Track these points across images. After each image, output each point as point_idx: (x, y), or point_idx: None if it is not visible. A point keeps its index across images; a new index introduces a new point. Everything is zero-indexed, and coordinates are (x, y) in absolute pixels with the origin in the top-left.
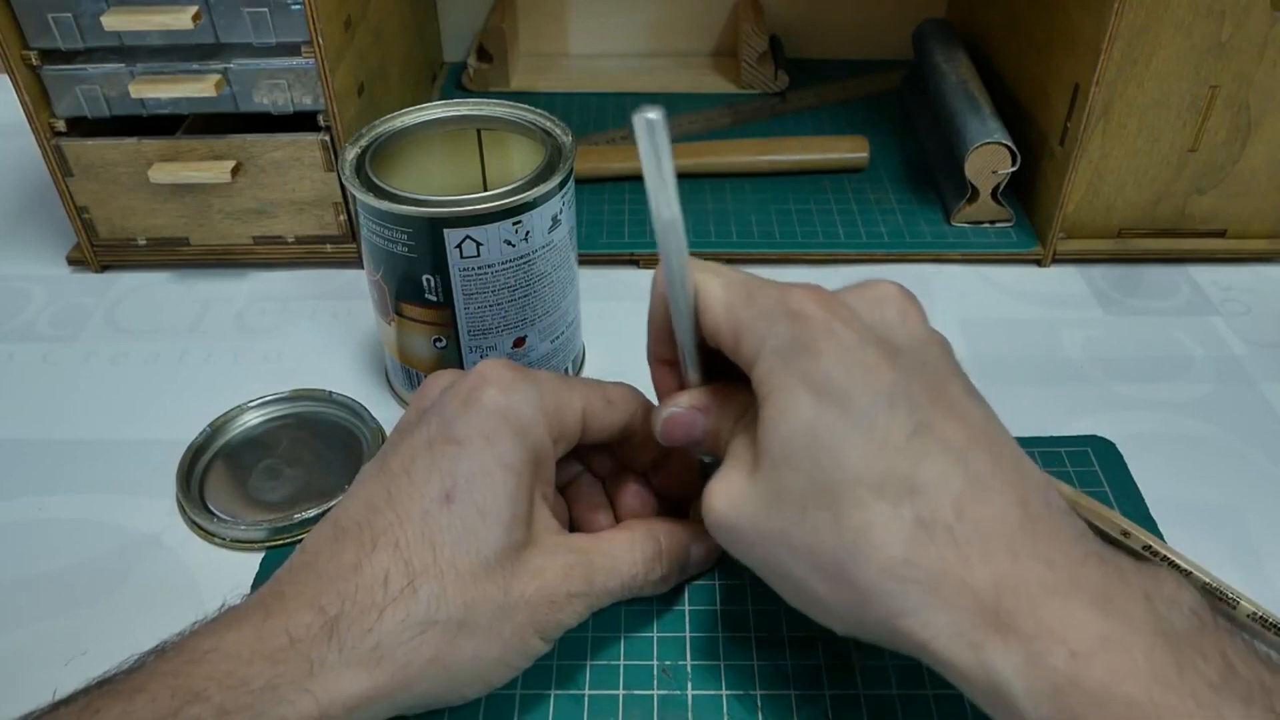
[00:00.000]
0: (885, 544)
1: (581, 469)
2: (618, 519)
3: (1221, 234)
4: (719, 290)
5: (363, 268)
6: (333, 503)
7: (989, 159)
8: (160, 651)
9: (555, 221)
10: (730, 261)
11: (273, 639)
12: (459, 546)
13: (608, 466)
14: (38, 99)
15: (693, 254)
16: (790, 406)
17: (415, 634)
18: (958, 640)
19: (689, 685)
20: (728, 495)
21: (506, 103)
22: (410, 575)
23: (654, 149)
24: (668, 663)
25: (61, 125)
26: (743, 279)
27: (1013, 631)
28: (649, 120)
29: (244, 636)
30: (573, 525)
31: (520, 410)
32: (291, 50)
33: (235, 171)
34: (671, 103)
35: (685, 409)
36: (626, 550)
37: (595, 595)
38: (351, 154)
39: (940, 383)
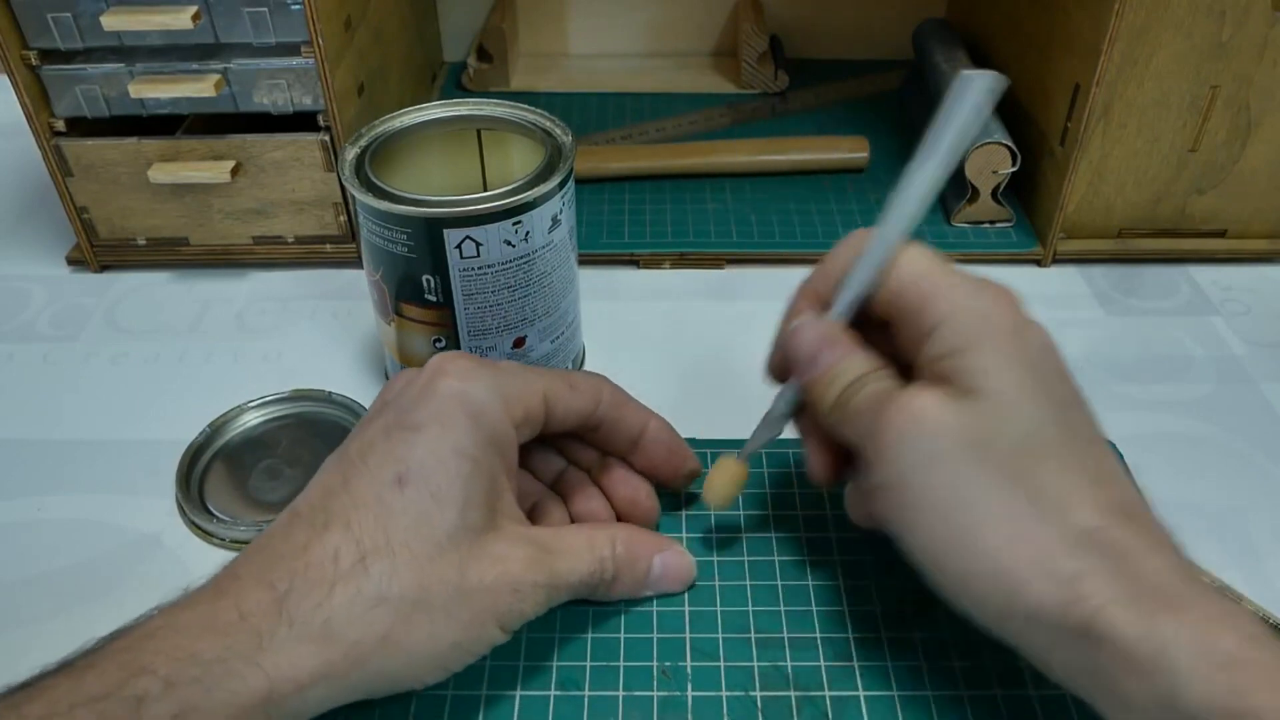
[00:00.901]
0: (1083, 509)
1: (565, 464)
2: (612, 504)
3: (1221, 234)
4: (921, 253)
5: (363, 268)
6: None
7: (989, 159)
8: (117, 634)
9: (555, 221)
10: (730, 262)
11: (223, 615)
12: (412, 529)
13: (590, 457)
14: (37, 99)
15: (693, 255)
16: (1010, 365)
17: (366, 609)
18: (1131, 608)
19: (689, 686)
20: (942, 407)
21: (506, 103)
22: (361, 553)
23: (963, 109)
24: (668, 664)
25: (61, 125)
26: (941, 257)
27: (1186, 612)
28: (976, 83)
29: (196, 614)
30: (571, 519)
31: (477, 396)
32: (291, 50)
33: (235, 171)
34: (671, 103)
35: (818, 327)
36: (586, 548)
37: (555, 588)
38: (351, 154)
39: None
